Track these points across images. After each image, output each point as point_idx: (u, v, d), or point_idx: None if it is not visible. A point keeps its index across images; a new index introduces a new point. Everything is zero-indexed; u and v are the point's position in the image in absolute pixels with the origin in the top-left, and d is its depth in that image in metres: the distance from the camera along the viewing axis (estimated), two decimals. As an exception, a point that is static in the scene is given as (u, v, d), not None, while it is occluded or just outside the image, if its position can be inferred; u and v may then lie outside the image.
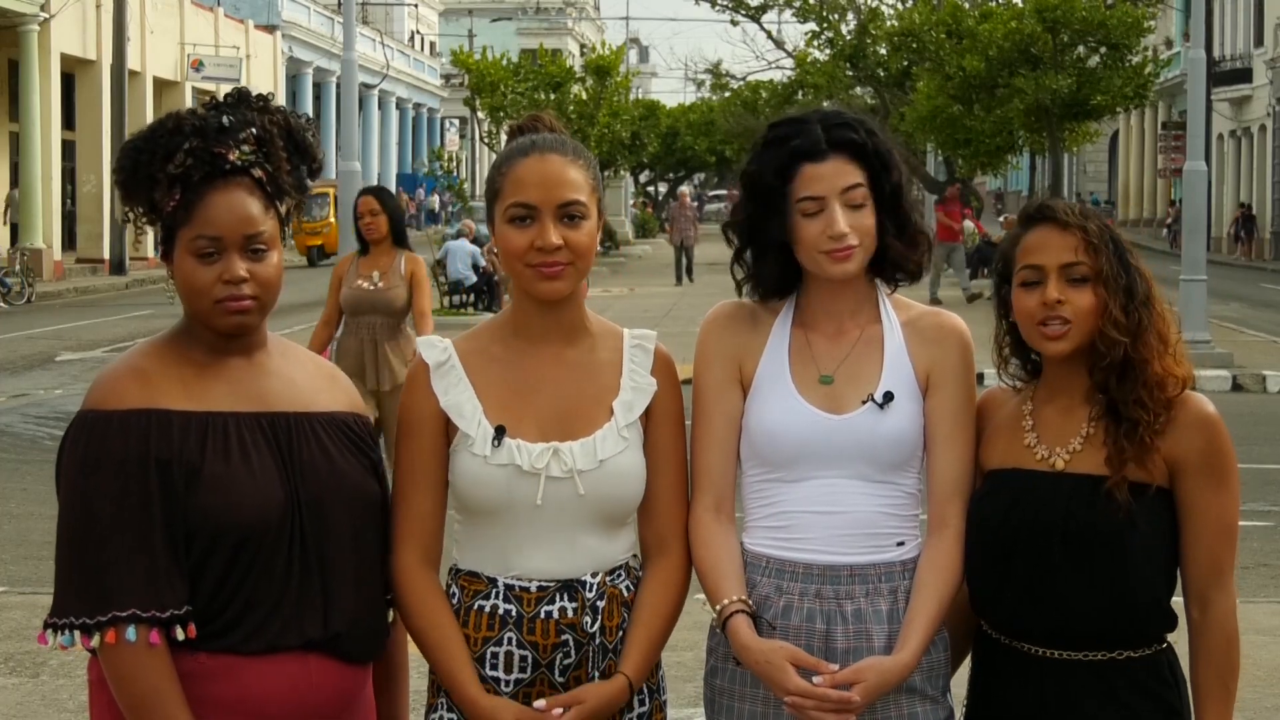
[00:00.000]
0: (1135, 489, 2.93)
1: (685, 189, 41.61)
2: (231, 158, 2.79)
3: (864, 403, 3.01)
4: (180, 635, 2.70)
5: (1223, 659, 3.02)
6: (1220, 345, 19.63)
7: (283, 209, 2.87)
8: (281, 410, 2.85)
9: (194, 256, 2.78)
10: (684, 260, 34.55)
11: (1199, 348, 18.31)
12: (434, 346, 3.02)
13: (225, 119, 2.80)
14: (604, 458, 2.95)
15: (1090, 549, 2.93)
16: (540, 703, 2.90)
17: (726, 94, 58.34)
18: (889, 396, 3.01)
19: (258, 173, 2.81)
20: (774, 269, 3.07)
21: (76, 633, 2.69)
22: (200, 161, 2.77)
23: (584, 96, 40.40)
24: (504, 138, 3.38)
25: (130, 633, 2.67)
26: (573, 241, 2.92)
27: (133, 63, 36.84)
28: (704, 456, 3.07)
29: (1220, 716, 3.00)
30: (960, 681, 3.21)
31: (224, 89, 2.92)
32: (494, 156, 2.91)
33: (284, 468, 2.80)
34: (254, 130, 2.81)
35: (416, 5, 72.91)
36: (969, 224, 37.99)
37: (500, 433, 2.93)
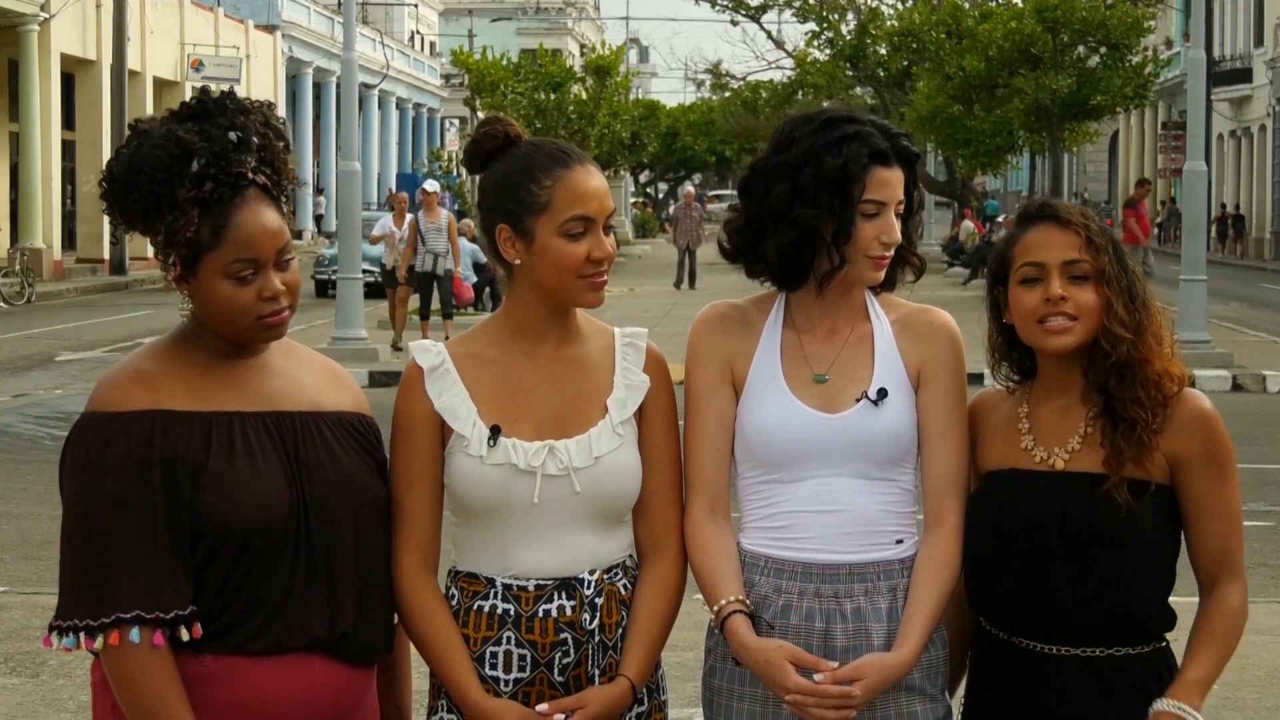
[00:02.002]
0: (1135, 487, 2.93)
1: (690, 188, 40.82)
2: (249, 174, 2.78)
3: (858, 400, 3.02)
4: (185, 636, 2.70)
5: (1228, 624, 2.99)
6: (1220, 345, 19.61)
7: (285, 206, 2.87)
8: (287, 409, 2.85)
9: (231, 279, 2.76)
10: (687, 263, 33.04)
11: (1199, 348, 18.32)
12: (427, 351, 3.03)
13: (233, 135, 2.77)
14: (599, 454, 2.96)
15: (1089, 546, 2.93)
16: (543, 707, 2.90)
17: (726, 94, 58.35)
18: (883, 393, 3.02)
19: (261, 179, 2.81)
20: (798, 258, 3.04)
21: (80, 635, 2.69)
22: (220, 183, 2.74)
23: (584, 96, 40.34)
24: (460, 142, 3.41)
25: (134, 634, 2.67)
26: (612, 249, 3.01)
27: (133, 63, 36.85)
28: (697, 457, 3.07)
29: (1209, 664, 2.97)
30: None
31: (224, 89, 2.89)
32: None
33: (290, 467, 2.81)
34: (255, 139, 2.80)
35: (416, 5, 72.89)
36: (968, 224, 38.01)
37: (495, 432, 2.94)
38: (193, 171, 2.72)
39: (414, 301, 21.06)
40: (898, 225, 3.03)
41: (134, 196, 2.74)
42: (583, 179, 2.96)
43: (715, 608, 2.99)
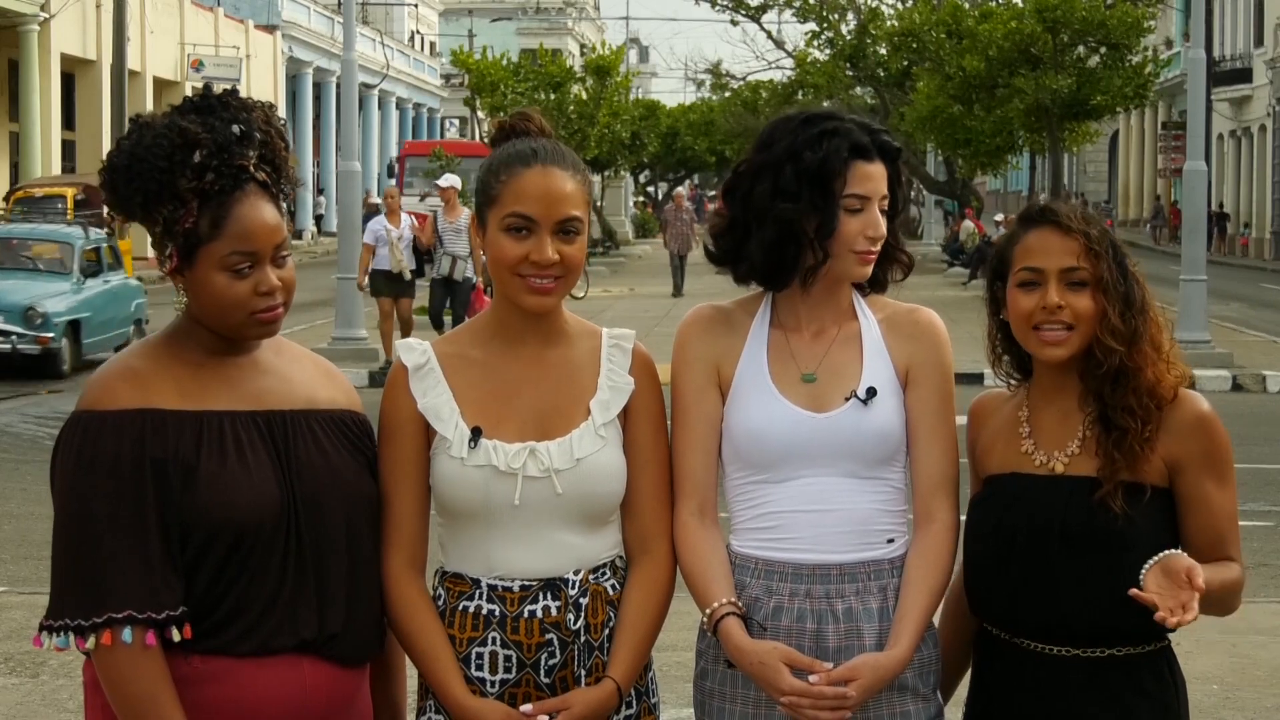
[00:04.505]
0: (1131, 491, 2.93)
1: (680, 190, 39.85)
2: (251, 168, 2.78)
3: (847, 400, 3.02)
4: (176, 636, 2.69)
5: (1234, 580, 2.95)
6: (1220, 345, 19.63)
7: (284, 207, 2.87)
8: (278, 408, 2.85)
9: (227, 271, 2.75)
10: (681, 269, 30.66)
11: (1199, 348, 18.33)
12: (413, 350, 3.02)
13: (236, 128, 2.77)
14: (581, 456, 2.95)
15: (1089, 549, 2.93)
16: (527, 707, 2.89)
17: (726, 94, 58.41)
18: (872, 392, 3.01)
19: (262, 176, 2.81)
20: (782, 256, 3.03)
21: (72, 634, 2.68)
22: (221, 175, 2.74)
23: (584, 96, 40.35)
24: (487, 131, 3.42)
25: (126, 634, 2.66)
26: (566, 255, 2.94)
27: (133, 63, 36.81)
28: (685, 460, 3.06)
29: (1221, 581, 2.91)
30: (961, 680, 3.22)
31: (224, 89, 2.90)
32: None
33: (280, 466, 2.80)
34: (258, 135, 2.81)
35: (416, 5, 72.90)
36: (969, 224, 38.02)
37: (477, 434, 2.94)
38: (195, 162, 2.72)
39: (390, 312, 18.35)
40: (883, 220, 3.03)
41: (135, 185, 2.74)
42: (533, 179, 2.93)
43: (707, 611, 2.99)
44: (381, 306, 18.12)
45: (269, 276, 2.78)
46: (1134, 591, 2.74)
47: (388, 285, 17.93)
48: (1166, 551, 2.77)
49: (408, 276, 17.93)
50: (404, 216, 18.25)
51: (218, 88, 2.90)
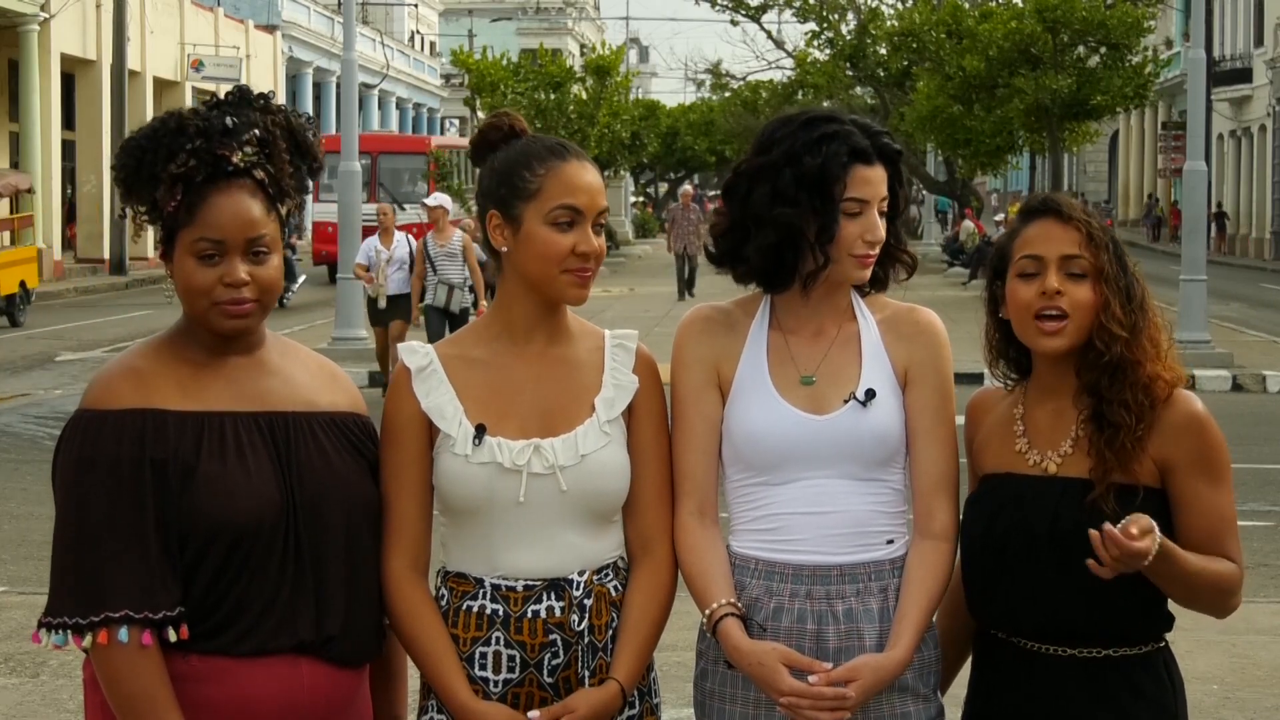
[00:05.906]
0: (1122, 492, 2.92)
1: (687, 188, 39.41)
2: (234, 159, 2.79)
3: (846, 401, 3.02)
4: (172, 636, 2.70)
5: (1221, 572, 2.94)
6: (1220, 345, 19.62)
7: (284, 210, 2.88)
8: (280, 410, 2.85)
9: (195, 258, 2.78)
10: (686, 270, 29.78)
11: (1199, 348, 18.33)
12: (415, 352, 3.03)
13: (229, 120, 2.80)
14: (585, 453, 2.96)
15: (1080, 550, 2.91)
16: (534, 714, 2.90)
17: (726, 94, 58.44)
18: (871, 394, 3.01)
19: (259, 174, 2.82)
20: (781, 260, 3.03)
21: (69, 632, 2.69)
22: (203, 162, 2.77)
23: (584, 96, 40.34)
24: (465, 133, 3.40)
25: (122, 634, 2.67)
26: (600, 249, 2.99)
27: (133, 63, 36.85)
28: (685, 460, 3.07)
29: (1199, 560, 2.91)
30: (960, 679, 3.22)
31: (224, 89, 2.93)
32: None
33: (281, 468, 2.80)
34: (257, 131, 2.82)
35: (416, 5, 72.89)
36: (969, 224, 38.01)
37: (481, 431, 2.94)
38: (181, 148, 2.76)
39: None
40: (882, 223, 3.03)
41: (119, 162, 2.81)
42: (576, 172, 2.97)
43: (707, 611, 2.99)
44: (377, 338, 16.41)
45: (236, 268, 2.78)
46: (1097, 531, 2.72)
47: (378, 314, 16.01)
48: (1132, 515, 2.76)
49: (382, 304, 15.81)
50: (399, 235, 16.31)
51: (223, 88, 2.93)
